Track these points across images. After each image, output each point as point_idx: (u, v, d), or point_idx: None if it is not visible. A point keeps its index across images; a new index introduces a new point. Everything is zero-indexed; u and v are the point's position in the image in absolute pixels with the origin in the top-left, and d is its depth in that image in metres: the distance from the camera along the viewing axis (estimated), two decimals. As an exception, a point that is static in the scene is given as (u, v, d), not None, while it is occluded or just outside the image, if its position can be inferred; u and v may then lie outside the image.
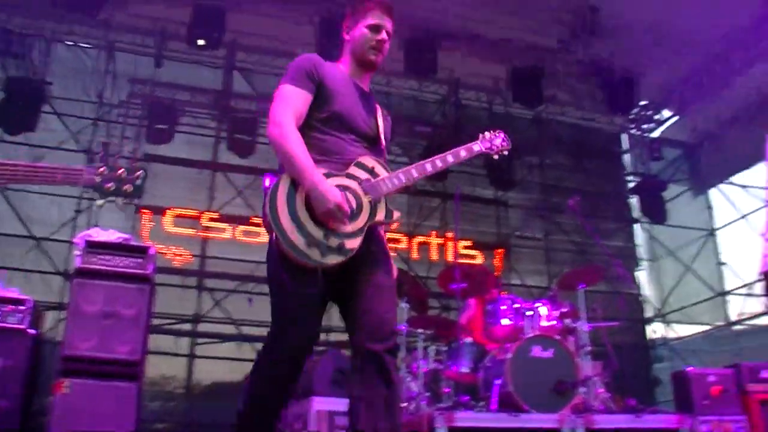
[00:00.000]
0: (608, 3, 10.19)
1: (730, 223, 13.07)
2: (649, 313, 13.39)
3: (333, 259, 2.70)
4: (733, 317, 12.59)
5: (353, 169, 2.91)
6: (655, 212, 13.08)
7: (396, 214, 2.97)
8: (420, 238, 11.95)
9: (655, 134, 14.00)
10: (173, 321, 10.46)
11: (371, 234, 2.91)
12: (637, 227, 13.89)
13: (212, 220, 10.95)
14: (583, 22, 10.54)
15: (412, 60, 10.67)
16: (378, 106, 3.22)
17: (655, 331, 13.27)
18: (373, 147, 3.09)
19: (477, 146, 3.35)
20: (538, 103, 11.55)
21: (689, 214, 13.59)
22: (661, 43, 10.64)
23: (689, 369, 6.84)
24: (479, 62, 11.21)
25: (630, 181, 14.07)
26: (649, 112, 13.65)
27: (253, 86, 11.87)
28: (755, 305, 11.82)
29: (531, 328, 6.01)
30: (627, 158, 14.35)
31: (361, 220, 2.83)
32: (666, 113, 13.67)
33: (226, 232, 10.99)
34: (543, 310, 6.25)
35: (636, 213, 13.63)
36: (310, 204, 2.70)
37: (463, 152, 3.25)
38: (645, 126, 13.90)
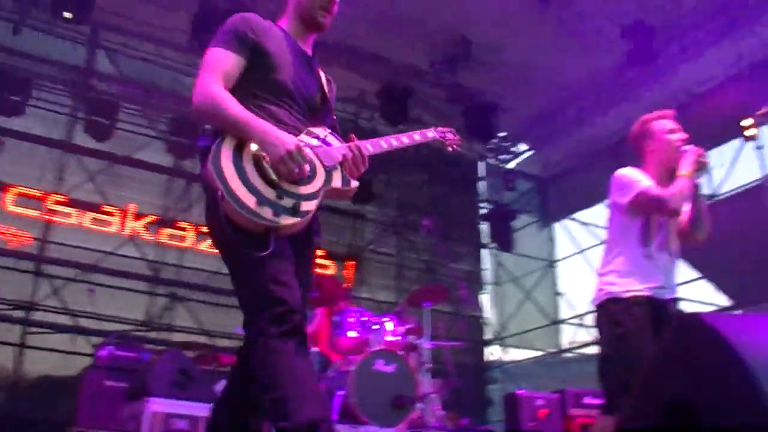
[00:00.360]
0: (480, 34, 10.55)
1: (569, 257, 13.87)
2: (488, 335, 13.92)
3: (287, 220, 2.40)
4: (565, 345, 13.35)
5: (304, 138, 2.64)
6: (504, 240, 13.66)
7: (354, 184, 2.71)
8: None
9: (511, 165, 14.64)
10: (4, 306, 9.73)
11: (309, 238, 2.69)
12: (485, 252, 14.42)
13: (58, 203, 10.29)
14: (455, 50, 10.85)
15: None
16: (321, 72, 2.94)
17: (492, 353, 13.82)
18: (320, 116, 2.85)
19: (431, 133, 3.25)
20: (402, 121, 11.78)
21: (534, 245, 14.30)
22: (525, 80, 11.17)
23: (519, 392, 7.14)
24: (352, 74, 11.28)
25: (483, 208, 14.60)
26: (507, 144, 14.23)
27: (119, 68, 11.31)
28: (585, 335, 12.61)
29: (376, 342, 6.06)
30: (482, 185, 14.89)
31: (317, 183, 2.56)
32: (522, 146, 14.33)
33: (73, 217, 10.37)
34: (389, 325, 6.33)
35: (485, 239, 14.17)
36: (260, 164, 2.42)
37: (417, 136, 3.12)
38: (502, 156, 14.49)
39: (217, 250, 2.56)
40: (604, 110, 11.53)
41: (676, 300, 3.58)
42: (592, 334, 11.18)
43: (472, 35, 10.67)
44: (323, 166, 2.62)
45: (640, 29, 9.60)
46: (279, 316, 2.31)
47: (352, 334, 6.19)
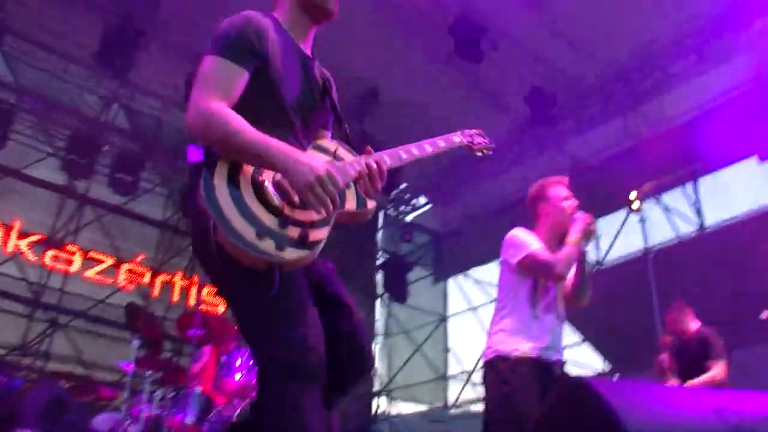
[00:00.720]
0: (389, 86, 10.76)
1: (460, 313, 14.07)
2: (376, 386, 13.86)
3: (293, 253, 2.01)
4: (452, 401, 13.44)
5: (311, 152, 2.29)
6: (398, 291, 13.72)
7: (371, 204, 2.32)
8: (165, 276, 11.47)
9: (410, 218, 14.81)
10: None
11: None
12: (378, 302, 14.44)
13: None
14: (363, 99, 10.99)
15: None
16: (323, 73, 2.56)
17: (379, 405, 13.74)
18: (327, 124, 2.53)
19: (457, 137, 2.89)
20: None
21: (427, 298, 14.45)
22: (428, 133, 11.37)
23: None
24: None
25: (379, 258, 14.66)
26: (407, 196, 14.43)
27: (16, 76, 10.81)
28: (472, 392, 12.76)
29: (262, 386, 5.92)
30: (380, 235, 14.98)
31: None
32: (422, 200, 14.55)
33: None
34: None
35: (380, 289, 14.20)
36: (260, 188, 2.05)
37: (441, 142, 2.73)
38: (401, 208, 14.65)
39: (214, 287, 2.26)
40: (502, 171, 11.91)
41: (562, 362, 3.68)
42: (479, 391, 11.37)
43: (380, 86, 10.85)
44: None
45: (542, 97, 10.03)
46: (293, 365, 1.99)
47: (238, 376, 6.03)
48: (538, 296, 3.65)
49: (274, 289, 1.96)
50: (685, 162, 10.48)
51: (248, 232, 1.96)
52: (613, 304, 7.67)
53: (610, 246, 11.60)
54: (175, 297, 11.40)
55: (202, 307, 10.02)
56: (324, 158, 2.27)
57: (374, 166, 2.26)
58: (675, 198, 10.89)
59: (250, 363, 6.10)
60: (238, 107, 2.14)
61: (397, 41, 9.89)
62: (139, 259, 11.41)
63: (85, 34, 9.67)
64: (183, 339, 7.32)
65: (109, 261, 11.15)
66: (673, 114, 10.76)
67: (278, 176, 2.09)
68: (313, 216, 2.09)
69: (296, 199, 2.07)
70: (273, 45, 2.26)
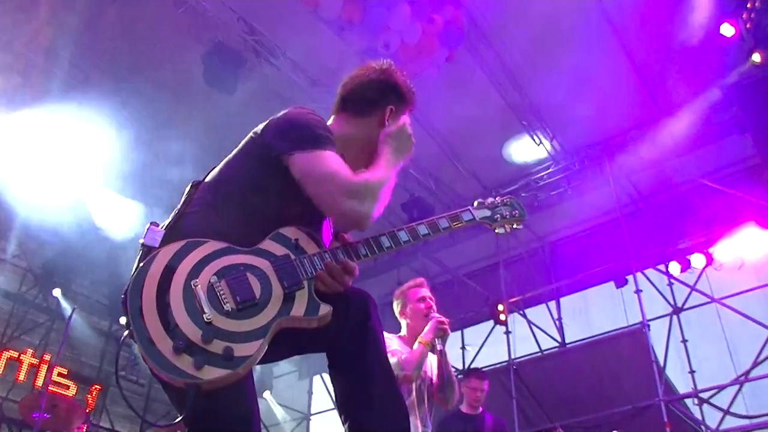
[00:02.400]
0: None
1: (325, 411, 13.83)
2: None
3: (213, 373, 1.75)
4: None
5: (267, 244, 2.03)
6: (260, 386, 13.40)
7: (324, 309, 1.98)
8: (11, 353, 10.67)
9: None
10: None
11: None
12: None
13: None
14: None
15: None
16: None
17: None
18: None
19: (468, 215, 2.49)
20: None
21: (291, 395, 14.14)
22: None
23: None
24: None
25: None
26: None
27: None
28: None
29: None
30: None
31: (265, 316, 1.89)
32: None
33: None
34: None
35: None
36: (190, 293, 1.84)
37: (444, 222, 2.40)
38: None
39: None
40: (377, 273, 12.04)
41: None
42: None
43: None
44: (281, 286, 1.96)
45: (418, 204, 10.32)
46: None
47: (83, 466, 5.67)
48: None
49: (185, 411, 1.76)
50: (550, 280, 11.05)
51: (165, 346, 1.75)
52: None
53: (476, 354, 11.89)
54: (22, 376, 10.60)
55: (51, 388, 9.35)
56: (280, 251, 2.03)
57: (334, 267, 2.06)
58: (539, 314, 11.37)
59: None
60: (268, 184, 2.09)
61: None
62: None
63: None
64: (25, 422, 6.81)
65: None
66: (542, 233, 11.41)
67: (213, 278, 1.89)
68: (244, 327, 1.85)
69: (227, 307, 1.86)
70: None
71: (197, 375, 1.73)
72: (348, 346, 2.06)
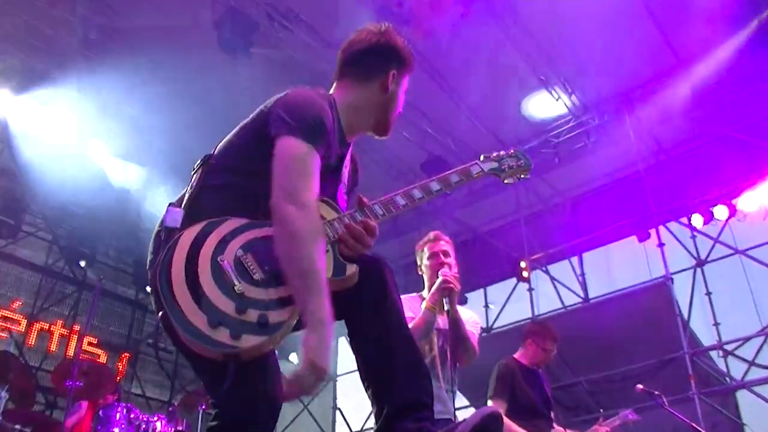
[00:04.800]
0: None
1: (349, 373, 13.96)
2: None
3: (251, 341, 1.79)
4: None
5: None
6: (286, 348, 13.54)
7: (351, 269, 2.03)
8: (42, 324, 10.88)
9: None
10: None
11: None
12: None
13: None
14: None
15: None
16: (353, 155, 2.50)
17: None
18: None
19: (476, 168, 2.61)
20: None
21: (316, 357, 14.28)
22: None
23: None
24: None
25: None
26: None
27: None
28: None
29: (141, 442, 5.71)
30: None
31: None
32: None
33: None
34: (158, 425, 6.00)
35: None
36: (218, 268, 1.86)
37: (454, 177, 2.48)
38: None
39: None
40: (397, 234, 12.06)
41: (448, 420, 3.67)
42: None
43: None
44: None
45: (437, 164, 10.30)
46: (231, 425, 1.94)
47: (116, 431, 5.79)
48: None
49: (228, 382, 1.80)
50: (572, 236, 11.00)
51: (199, 320, 1.78)
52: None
53: (499, 312, 11.93)
54: (53, 347, 10.82)
55: (82, 357, 9.54)
56: None
57: (355, 228, 2.09)
58: (562, 270, 11.36)
59: (130, 417, 5.87)
60: (260, 165, 2.02)
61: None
62: (15, 305, 10.80)
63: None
64: (58, 391, 6.96)
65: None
66: (563, 188, 11.32)
67: (239, 252, 1.92)
68: (275, 295, 1.88)
69: (257, 276, 1.90)
70: (330, 137, 2.16)
71: (236, 344, 1.76)
72: (366, 313, 2.06)
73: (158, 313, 1.87)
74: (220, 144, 2.25)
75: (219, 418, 1.95)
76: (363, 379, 2.09)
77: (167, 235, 1.96)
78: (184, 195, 2.16)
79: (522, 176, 2.77)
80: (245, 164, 2.12)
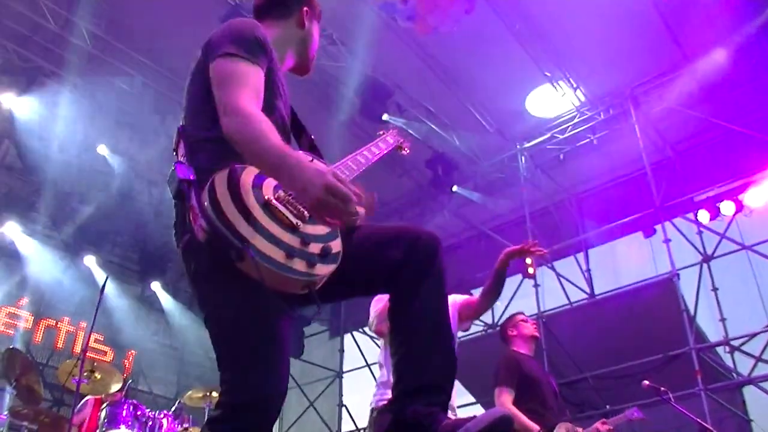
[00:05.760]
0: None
1: (355, 369, 13.98)
2: (267, 442, 13.48)
3: (323, 268, 1.88)
4: (342, 459, 13.24)
5: None
6: (294, 346, 13.55)
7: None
8: (49, 321, 10.91)
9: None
10: None
11: None
12: (273, 356, 14.16)
13: None
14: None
15: None
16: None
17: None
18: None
19: (391, 138, 2.79)
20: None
21: (322, 354, 14.30)
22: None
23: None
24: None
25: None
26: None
27: None
28: (363, 451, 12.62)
29: (148, 439, 5.72)
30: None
31: None
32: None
33: None
34: (165, 422, 6.01)
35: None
36: (269, 206, 1.86)
37: (381, 144, 2.67)
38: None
39: (206, 324, 1.98)
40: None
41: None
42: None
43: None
44: None
45: (441, 160, 10.32)
46: (234, 410, 1.84)
47: (123, 428, 5.80)
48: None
49: (320, 306, 1.89)
50: (578, 232, 10.97)
51: (277, 254, 1.80)
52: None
53: (505, 308, 11.90)
54: (60, 344, 10.85)
55: (89, 355, 9.56)
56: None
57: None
58: (568, 266, 11.33)
59: (137, 414, 5.89)
60: None
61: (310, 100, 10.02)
62: (22, 302, 10.83)
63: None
64: (65, 387, 6.96)
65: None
66: (568, 185, 11.30)
67: (281, 192, 1.93)
68: (324, 229, 1.95)
69: (305, 212, 1.93)
70: (273, 55, 2.21)
71: (312, 272, 1.85)
72: (412, 286, 2.10)
73: (214, 251, 1.81)
74: (185, 112, 2.20)
75: (221, 406, 1.88)
76: (393, 353, 2.13)
77: (188, 185, 1.87)
78: None
79: (407, 150, 2.94)
80: (213, 115, 2.01)
